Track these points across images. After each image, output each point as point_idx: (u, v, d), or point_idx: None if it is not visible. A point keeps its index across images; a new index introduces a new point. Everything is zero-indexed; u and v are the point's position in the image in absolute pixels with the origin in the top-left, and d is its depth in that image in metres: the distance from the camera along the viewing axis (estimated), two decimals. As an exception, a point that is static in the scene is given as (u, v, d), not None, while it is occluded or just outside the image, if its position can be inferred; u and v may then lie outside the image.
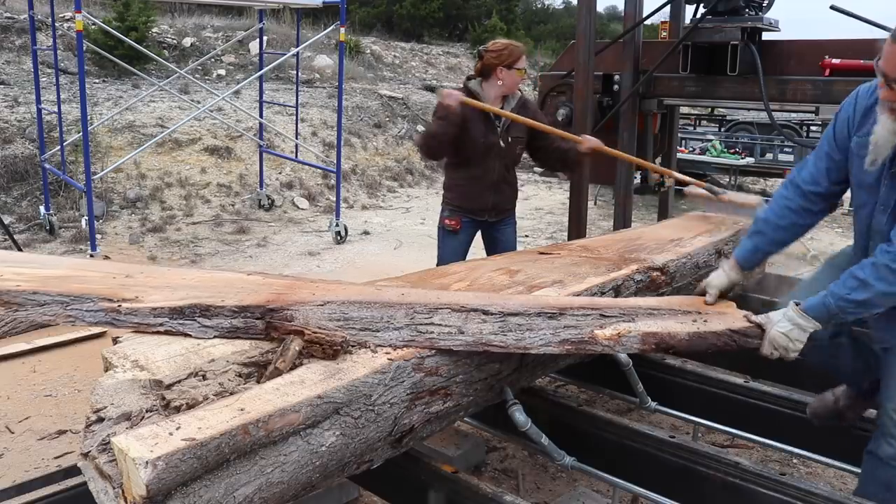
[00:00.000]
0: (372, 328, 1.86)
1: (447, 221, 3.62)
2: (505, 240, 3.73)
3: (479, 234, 3.74)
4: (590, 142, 3.47)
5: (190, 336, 1.77)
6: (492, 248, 3.73)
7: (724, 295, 2.39)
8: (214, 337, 1.78)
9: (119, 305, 1.83)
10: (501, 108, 3.48)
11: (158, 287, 1.97)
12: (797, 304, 2.13)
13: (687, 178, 3.71)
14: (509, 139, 3.47)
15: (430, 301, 1.99)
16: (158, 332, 1.78)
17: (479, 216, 3.63)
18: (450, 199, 3.66)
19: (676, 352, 2.44)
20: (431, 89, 3.41)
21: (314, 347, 1.72)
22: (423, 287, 2.39)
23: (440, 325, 1.91)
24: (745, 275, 2.33)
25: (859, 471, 2.32)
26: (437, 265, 3.57)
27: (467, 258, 3.68)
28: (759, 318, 2.18)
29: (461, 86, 3.54)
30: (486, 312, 1.98)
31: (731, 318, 2.24)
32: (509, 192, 3.67)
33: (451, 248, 3.69)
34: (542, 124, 3.47)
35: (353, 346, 1.78)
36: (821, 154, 2.28)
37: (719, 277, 2.39)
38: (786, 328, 2.12)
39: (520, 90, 3.60)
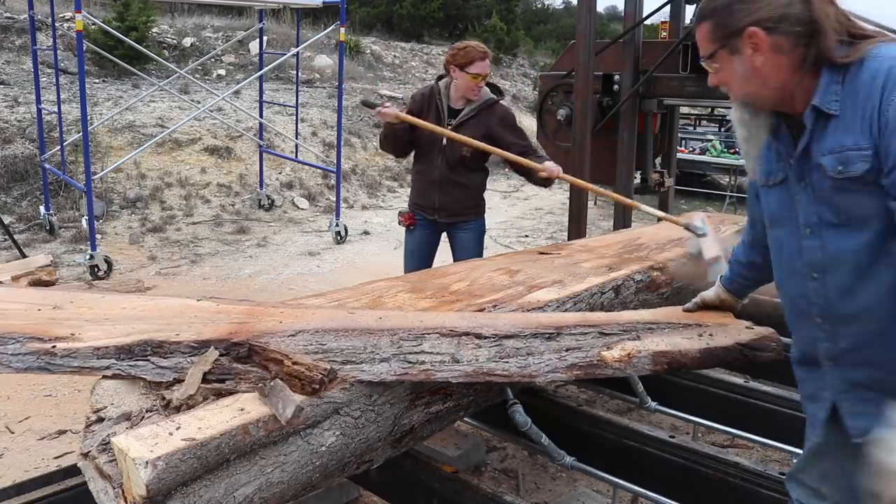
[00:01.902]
0: (356, 360, 1.63)
1: (399, 216, 3.61)
2: (461, 245, 3.58)
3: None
4: (551, 171, 3.22)
5: (145, 379, 1.54)
6: (454, 252, 3.64)
7: (710, 307, 2.15)
8: (175, 380, 1.52)
9: (53, 346, 1.54)
10: (461, 109, 3.42)
11: (96, 320, 1.69)
12: None
13: (659, 213, 3.26)
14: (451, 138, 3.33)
15: (415, 325, 1.77)
16: (106, 377, 1.53)
17: (430, 215, 3.55)
18: (410, 195, 3.68)
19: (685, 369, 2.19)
20: (370, 105, 3.29)
21: (293, 382, 1.51)
22: (420, 286, 2.39)
23: (431, 352, 1.71)
24: (736, 301, 2.07)
25: None
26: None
27: (434, 259, 3.63)
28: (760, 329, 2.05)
29: (426, 87, 3.56)
30: (479, 336, 1.80)
31: (736, 330, 2.08)
32: (460, 195, 3.50)
33: (409, 245, 3.65)
34: (481, 144, 3.24)
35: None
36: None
37: (710, 294, 2.12)
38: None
39: (496, 95, 3.49)
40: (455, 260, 3.58)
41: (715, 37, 1.46)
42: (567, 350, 1.88)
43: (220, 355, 1.55)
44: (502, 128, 3.40)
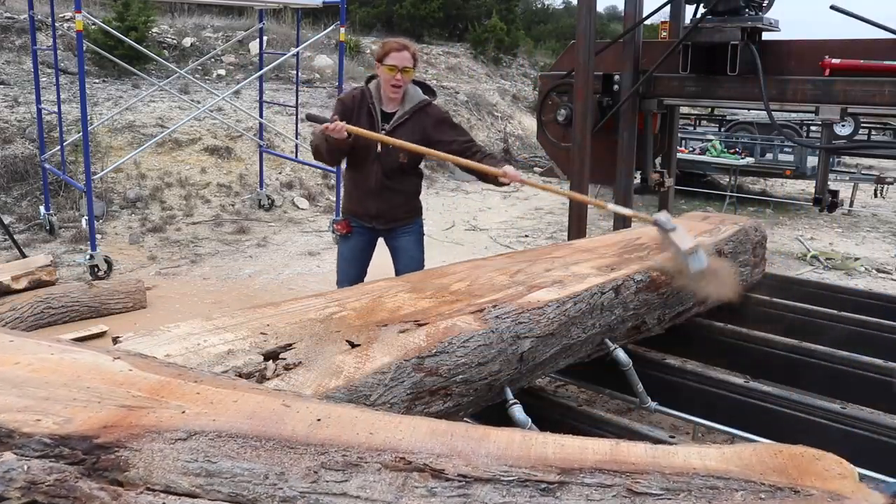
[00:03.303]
0: (243, 497, 1.12)
1: (335, 224, 3.56)
2: (401, 249, 3.52)
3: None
4: (512, 177, 3.08)
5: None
6: (394, 259, 3.58)
7: None
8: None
9: None
10: (394, 113, 3.29)
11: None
12: None
13: (627, 211, 3.21)
14: (391, 146, 3.20)
15: (357, 442, 1.22)
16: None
17: (367, 222, 3.47)
18: (343, 202, 3.57)
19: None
20: (316, 120, 3.12)
21: None
22: (420, 286, 2.39)
23: (357, 497, 1.13)
24: None
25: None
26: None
27: (367, 268, 3.58)
28: None
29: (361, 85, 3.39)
30: (438, 475, 1.18)
31: None
32: (398, 201, 3.43)
33: (344, 253, 3.56)
34: (431, 151, 3.12)
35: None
36: None
37: None
38: None
39: (428, 95, 3.35)
40: (396, 266, 3.53)
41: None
42: None
43: (69, 463, 1.11)
44: (440, 129, 3.29)
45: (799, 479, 1.24)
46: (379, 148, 3.23)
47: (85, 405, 1.26)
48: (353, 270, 3.53)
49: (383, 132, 3.22)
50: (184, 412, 1.27)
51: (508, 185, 3.15)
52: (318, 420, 1.29)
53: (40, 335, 1.71)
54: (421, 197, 3.70)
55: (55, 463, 1.10)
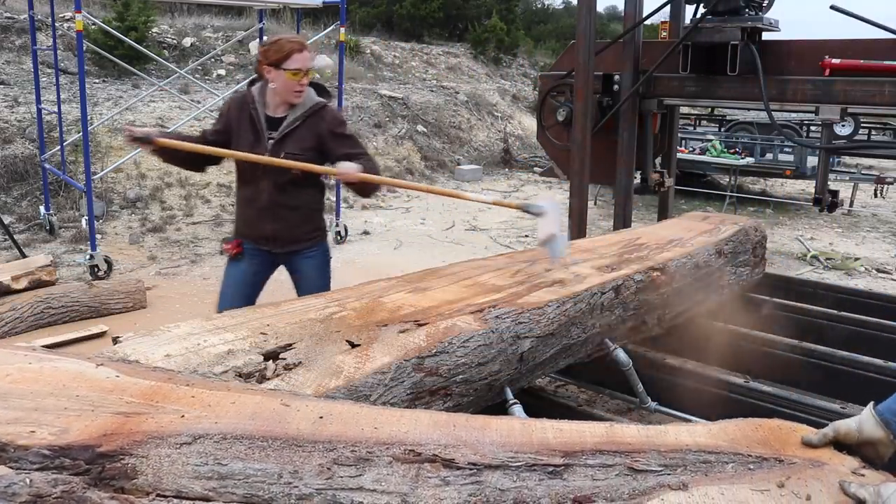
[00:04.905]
0: (260, 498, 1.12)
1: (224, 245, 3.10)
2: (304, 277, 3.10)
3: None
4: (342, 173, 2.73)
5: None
6: (296, 288, 3.15)
7: (846, 445, 1.43)
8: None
9: None
10: (284, 118, 2.89)
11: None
12: None
13: (488, 199, 2.94)
14: (281, 155, 2.83)
15: (364, 437, 1.23)
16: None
17: (261, 245, 3.04)
18: (235, 225, 3.15)
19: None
20: (142, 141, 2.66)
21: None
22: (421, 286, 2.39)
23: (373, 491, 1.15)
24: (892, 441, 1.41)
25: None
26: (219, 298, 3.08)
27: (258, 297, 3.11)
28: (863, 493, 1.25)
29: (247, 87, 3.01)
30: (450, 464, 1.21)
31: (831, 482, 1.31)
32: (296, 219, 3.01)
33: (231, 277, 3.08)
34: (300, 165, 2.75)
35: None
36: None
37: (848, 425, 1.45)
38: None
39: (323, 97, 2.99)
40: (299, 292, 3.07)
41: None
42: (576, 501, 1.22)
43: (73, 473, 1.07)
44: (334, 137, 2.90)
45: (781, 449, 1.37)
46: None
47: (78, 414, 1.22)
48: (238, 299, 2.96)
49: (271, 141, 2.86)
50: (183, 416, 1.24)
51: (367, 189, 2.91)
52: (321, 417, 1.29)
53: (12, 342, 1.68)
54: (426, 196, 3.57)
55: (58, 474, 1.06)
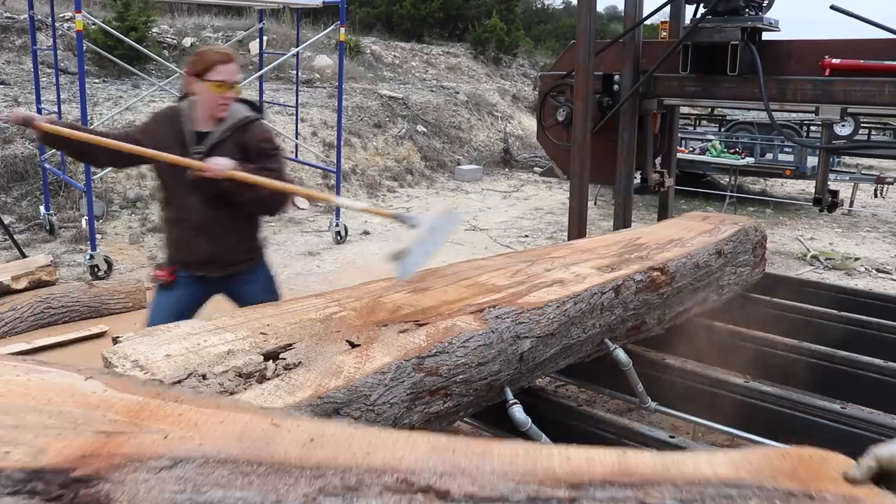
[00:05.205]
0: None
1: (155, 272, 2.89)
2: (248, 302, 2.77)
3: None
4: (214, 169, 2.53)
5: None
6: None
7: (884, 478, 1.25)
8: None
9: None
10: (210, 132, 2.72)
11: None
12: None
13: (360, 206, 2.83)
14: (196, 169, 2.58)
15: (354, 462, 1.16)
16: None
17: (195, 270, 2.82)
18: (167, 250, 2.94)
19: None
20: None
21: None
22: (421, 286, 2.39)
23: None
24: None
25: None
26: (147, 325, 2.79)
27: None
28: None
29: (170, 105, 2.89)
30: (443, 495, 1.12)
31: None
32: (232, 239, 2.82)
33: (161, 308, 2.83)
34: (228, 173, 2.53)
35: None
36: None
37: (891, 453, 1.28)
38: None
39: (253, 112, 2.82)
40: None
41: None
42: None
43: (45, 499, 1.02)
44: (258, 152, 2.74)
45: (811, 482, 1.20)
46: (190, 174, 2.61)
47: (59, 433, 1.16)
48: None
49: (197, 155, 2.68)
50: (167, 437, 1.17)
51: (266, 208, 2.73)
52: (312, 440, 1.20)
53: (12, 342, 1.63)
54: (426, 196, 3.38)
55: (29, 500, 1.00)
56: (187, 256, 2.82)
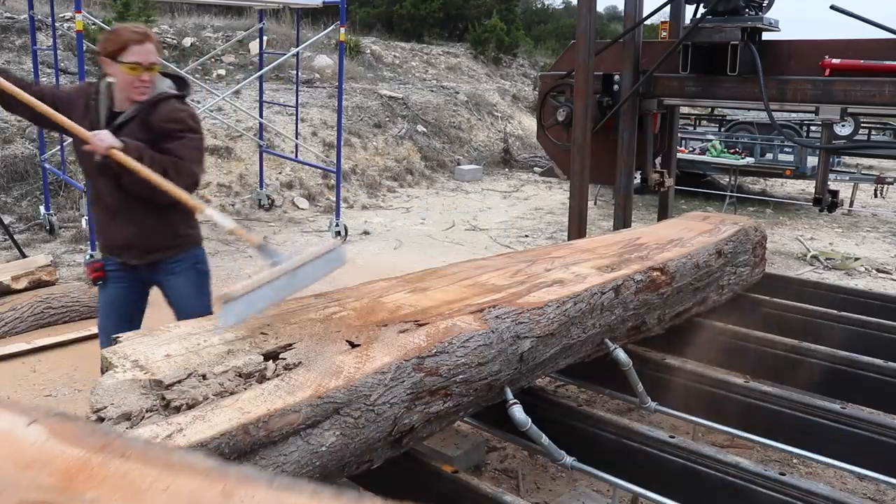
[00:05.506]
0: None
1: (85, 269, 2.82)
2: (176, 293, 2.71)
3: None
4: (95, 142, 2.33)
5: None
6: (172, 307, 2.77)
7: None
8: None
9: None
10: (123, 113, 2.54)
11: None
12: None
13: (230, 225, 2.41)
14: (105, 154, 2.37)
15: None
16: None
17: (118, 257, 2.67)
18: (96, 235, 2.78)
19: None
20: None
21: None
22: (421, 286, 2.38)
23: None
24: None
25: (859, 471, 2.32)
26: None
27: (141, 322, 2.76)
28: None
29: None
30: None
31: None
32: (151, 223, 2.60)
33: (104, 307, 2.73)
34: (122, 157, 2.33)
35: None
36: None
37: None
38: None
39: (179, 89, 2.64)
40: (177, 317, 2.69)
41: None
42: None
43: None
44: (163, 133, 2.51)
45: None
46: (98, 156, 2.37)
47: None
48: (115, 327, 2.53)
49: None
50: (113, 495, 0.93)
51: (113, 160, 2.37)
52: None
53: (12, 342, 1.48)
54: (426, 196, 3.31)
55: None
56: (106, 240, 2.68)
